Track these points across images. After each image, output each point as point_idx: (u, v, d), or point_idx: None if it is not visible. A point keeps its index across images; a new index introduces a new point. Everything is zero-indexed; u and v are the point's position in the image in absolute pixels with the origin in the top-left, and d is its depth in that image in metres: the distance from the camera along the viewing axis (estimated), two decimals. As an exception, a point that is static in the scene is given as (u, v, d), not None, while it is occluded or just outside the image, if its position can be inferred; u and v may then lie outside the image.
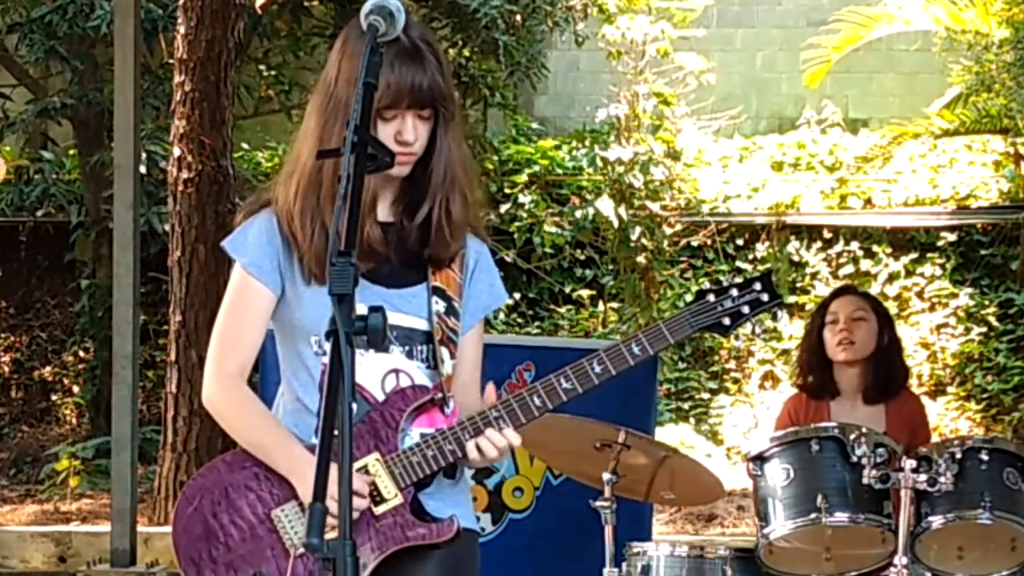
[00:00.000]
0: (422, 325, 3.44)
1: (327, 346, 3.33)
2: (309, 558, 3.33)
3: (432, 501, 3.43)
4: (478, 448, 3.37)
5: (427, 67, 3.34)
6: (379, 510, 3.35)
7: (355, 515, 3.28)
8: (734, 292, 3.52)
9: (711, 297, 3.51)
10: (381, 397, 3.41)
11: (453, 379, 3.49)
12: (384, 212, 3.45)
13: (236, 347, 3.45)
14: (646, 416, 6.24)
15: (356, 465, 3.33)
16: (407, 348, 3.43)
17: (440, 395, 3.44)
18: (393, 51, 3.20)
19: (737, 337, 3.58)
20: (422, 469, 3.37)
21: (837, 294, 6.03)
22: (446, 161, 3.43)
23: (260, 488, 3.40)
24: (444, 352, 3.45)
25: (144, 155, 11.11)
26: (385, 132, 3.32)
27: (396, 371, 3.42)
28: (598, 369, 3.41)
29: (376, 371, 3.40)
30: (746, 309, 3.51)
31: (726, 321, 3.51)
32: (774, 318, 3.58)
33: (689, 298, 11.66)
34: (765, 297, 3.52)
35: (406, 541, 3.37)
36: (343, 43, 3.42)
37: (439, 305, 3.46)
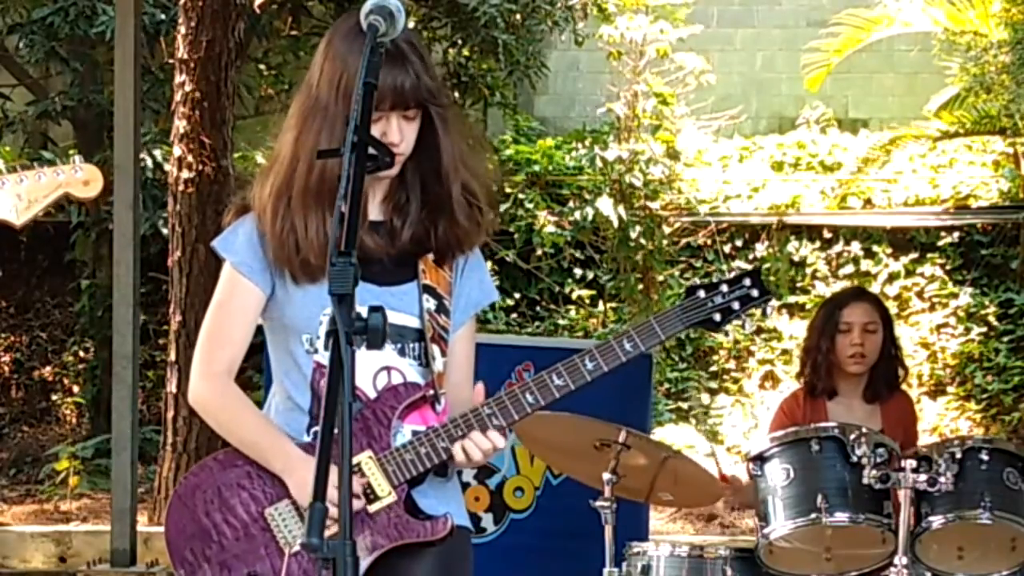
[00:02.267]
0: (413, 323, 3.44)
1: (318, 344, 3.36)
2: (303, 557, 3.33)
3: (425, 499, 3.43)
4: (464, 450, 3.37)
5: (409, 67, 3.34)
6: (373, 508, 3.35)
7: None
8: (724, 288, 3.51)
9: (701, 293, 3.51)
10: (373, 394, 3.41)
11: (444, 377, 3.49)
12: (374, 211, 3.46)
13: (224, 346, 3.45)
14: (643, 417, 6.24)
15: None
16: (399, 345, 3.43)
17: (432, 392, 3.44)
18: (376, 55, 3.20)
19: (727, 334, 3.59)
20: (415, 467, 3.37)
21: (850, 299, 5.87)
22: (442, 155, 3.42)
23: (253, 486, 3.40)
24: (435, 349, 3.45)
25: (148, 160, 11.11)
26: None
27: (388, 368, 3.43)
28: (590, 365, 3.41)
29: (368, 368, 3.40)
30: (736, 305, 3.51)
31: (716, 317, 3.50)
32: (764, 314, 3.57)
33: (688, 298, 11.62)
34: (755, 293, 3.52)
35: (400, 539, 3.37)
36: (327, 44, 3.41)
37: (430, 303, 3.46)
